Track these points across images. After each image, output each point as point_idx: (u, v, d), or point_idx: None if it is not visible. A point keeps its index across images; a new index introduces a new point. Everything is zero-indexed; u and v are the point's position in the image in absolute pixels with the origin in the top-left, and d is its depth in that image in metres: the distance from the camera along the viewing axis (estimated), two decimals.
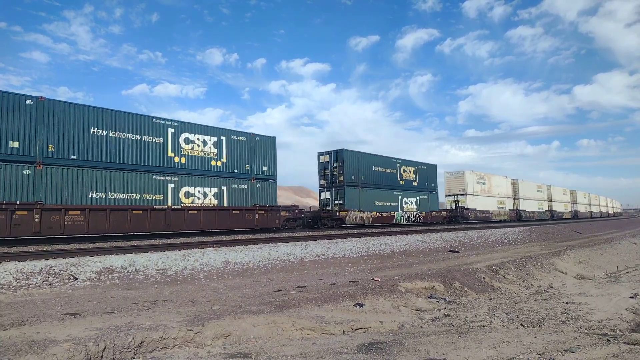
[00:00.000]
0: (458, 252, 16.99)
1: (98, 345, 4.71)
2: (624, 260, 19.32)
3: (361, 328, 6.70)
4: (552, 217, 58.88)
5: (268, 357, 4.88)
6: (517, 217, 48.56)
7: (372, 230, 24.14)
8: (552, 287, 11.54)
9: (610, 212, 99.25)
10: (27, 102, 14.74)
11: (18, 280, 8.35)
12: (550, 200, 60.31)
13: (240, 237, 18.01)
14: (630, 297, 9.20)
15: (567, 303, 8.55)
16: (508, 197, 48.27)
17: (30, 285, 8.23)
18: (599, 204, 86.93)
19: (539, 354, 4.89)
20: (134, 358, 4.87)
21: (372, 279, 9.83)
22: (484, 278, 11.35)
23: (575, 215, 68.93)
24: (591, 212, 77.38)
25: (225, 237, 17.63)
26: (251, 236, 18.49)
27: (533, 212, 53.59)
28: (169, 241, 15.55)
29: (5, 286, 8.02)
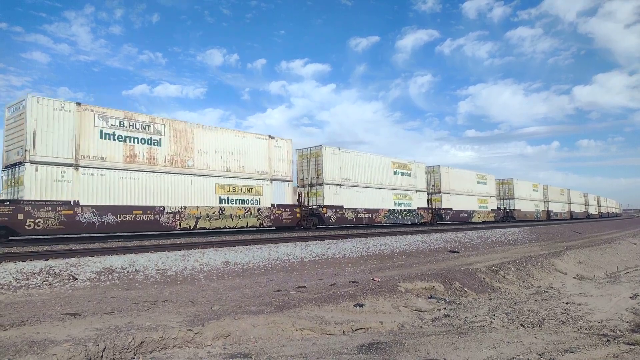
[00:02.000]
0: (458, 252, 16.99)
1: (98, 345, 4.70)
2: (624, 261, 19.32)
3: (361, 328, 6.70)
4: (440, 218, 35.47)
5: (268, 357, 4.88)
6: (313, 223, 24.43)
7: (373, 231, 24.14)
8: (552, 287, 11.53)
9: (593, 212, 79.98)
10: None
11: (18, 281, 8.35)
12: (439, 192, 36.31)
13: (240, 237, 18.02)
14: (630, 298, 9.20)
15: (567, 303, 8.54)
16: (264, 180, 21.93)
17: (30, 286, 8.22)
18: (569, 201, 66.28)
19: (539, 355, 4.89)
20: (134, 358, 4.87)
21: (372, 279, 9.83)
22: (484, 278, 11.35)
23: (509, 216, 47.22)
24: (548, 211, 56.92)
25: (225, 238, 17.64)
26: (251, 236, 18.53)
27: (373, 211, 28.13)
28: (169, 241, 15.55)
29: (5, 286, 8.02)
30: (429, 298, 9.17)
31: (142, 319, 5.89)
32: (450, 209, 37.08)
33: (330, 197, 25.51)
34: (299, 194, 24.62)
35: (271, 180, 22.43)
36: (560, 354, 4.91)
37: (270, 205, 22.10)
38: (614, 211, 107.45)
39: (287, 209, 22.96)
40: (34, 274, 8.77)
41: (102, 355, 4.67)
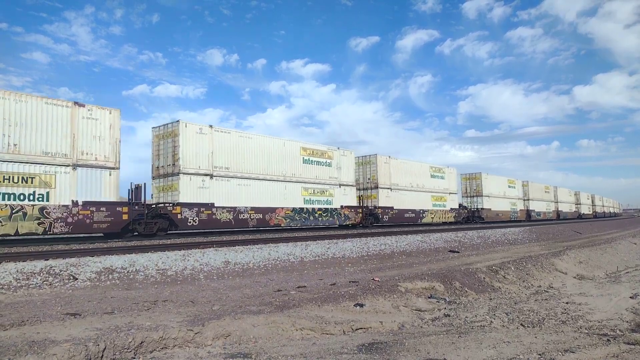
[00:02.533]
0: (458, 252, 17.00)
1: (98, 345, 4.71)
2: (624, 260, 19.33)
3: (361, 328, 6.70)
4: (376, 218, 28.86)
5: (268, 357, 4.88)
6: (159, 227, 18.46)
7: (373, 231, 24.16)
8: (552, 287, 11.54)
9: (587, 211, 71.62)
10: None
11: (18, 281, 8.35)
12: (375, 187, 29.51)
13: (240, 237, 18.03)
14: (630, 297, 9.21)
15: (567, 303, 8.55)
16: (60, 166, 15.36)
17: (31, 286, 8.23)
18: (555, 200, 59.44)
19: (539, 354, 4.90)
20: (134, 358, 4.87)
21: (372, 279, 9.83)
22: (484, 278, 11.35)
23: (476, 216, 40.21)
24: (528, 210, 50.46)
25: (225, 237, 17.64)
26: (251, 236, 18.53)
27: (268, 211, 22.40)
28: (169, 241, 15.55)
29: (6, 286, 8.02)
30: (429, 298, 9.17)
31: (142, 318, 5.89)
32: (391, 208, 29.79)
33: (191, 191, 18.93)
34: (135, 188, 18.14)
35: (74, 166, 15.50)
36: (560, 353, 4.92)
37: (69, 203, 15.24)
38: (612, 211, 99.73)
39: (104, 208, 16.18)
40: (34, 273, 8.77)
41: (102, 355, 4.67)
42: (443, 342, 5.41)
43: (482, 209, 40.94)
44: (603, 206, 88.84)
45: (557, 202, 60.96)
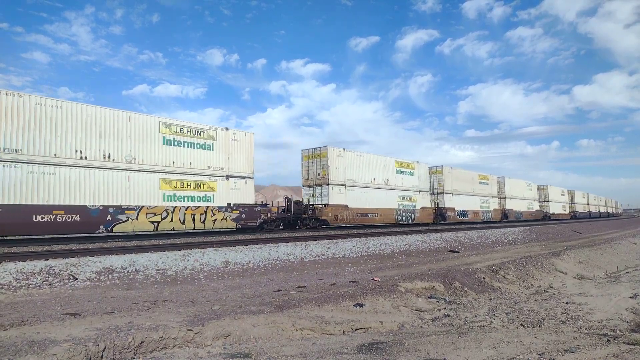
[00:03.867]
0: (458, 252, 16.99)
1: (98, 345, 4.70)
2: (624, 260, 19.33)
3: (361, 328, 6.70)
4: None
5: (268, 357, 4.88)
6: None
7: (373, 231, 24.16)
8: (552, 287, 11.54)
9: (559, 211, 58.87)
10: None
11: (18, 281, 8.35)
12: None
13: (240, 237, 18.02)
14: (630, 297, 9.21)
15: (567, 303, 8.55)
16: None
17: (30, 286, 8.23)
18: (501, 195, 44.82)
19: (539, 354, 4.90)
20: (134, 358, 4.87)
21: (372, 279, 9.83)
22: (484, 278, 11.35)
23: (307, 217, 24.25)
24: (438, 209, 35.20)
25: (225, 237, 17.64)
26: (251, 236, 18.53)
27: None
28: (169, 241, 15.55)
29: (5, 286, 8.02)
30: (429, 298, 9.17)
31: (142, 318, 5.89)
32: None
33: None
34: None
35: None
36: (560, 353, 4.92)
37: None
38: (606, 211, 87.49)
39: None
40: (34, 273, 8.77)
41: (102, 355, 4.67)
42: (443, 342, 5.41)
43: (326, 206, 25.24)
44: (589, 204, 75.10)
45: (505, 197, 45.36)
